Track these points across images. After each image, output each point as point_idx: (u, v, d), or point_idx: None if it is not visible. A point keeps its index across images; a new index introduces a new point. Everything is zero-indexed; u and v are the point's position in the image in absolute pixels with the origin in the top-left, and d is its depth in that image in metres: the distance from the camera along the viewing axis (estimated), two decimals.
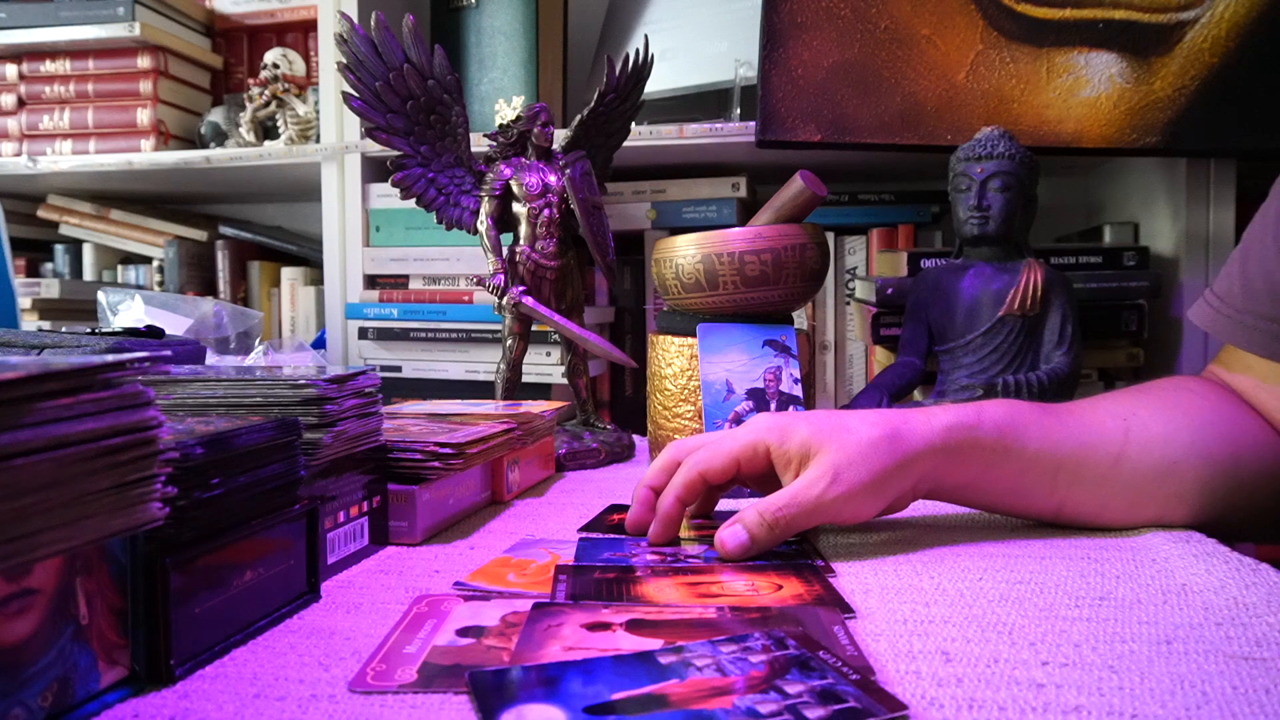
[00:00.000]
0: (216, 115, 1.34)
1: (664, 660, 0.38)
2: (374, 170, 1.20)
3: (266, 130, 1.29)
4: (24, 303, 1.34)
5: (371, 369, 0.58)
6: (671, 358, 0.82)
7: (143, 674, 0.37)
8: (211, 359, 0.91)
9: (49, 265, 1.52)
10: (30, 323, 1.34)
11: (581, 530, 0.63)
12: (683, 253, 0.79)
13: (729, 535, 0.54)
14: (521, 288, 0.87)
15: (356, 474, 0.56)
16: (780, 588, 0.49)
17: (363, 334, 1.15)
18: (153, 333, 0.78)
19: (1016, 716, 0.35)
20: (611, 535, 0.61)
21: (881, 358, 1.04)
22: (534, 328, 0.91)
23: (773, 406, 0.77)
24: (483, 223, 0.88)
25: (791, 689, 0.35)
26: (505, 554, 0.57)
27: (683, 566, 0.53)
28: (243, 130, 1.29)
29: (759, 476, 0.58)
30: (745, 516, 0.54)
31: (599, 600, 0.47)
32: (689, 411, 0.80)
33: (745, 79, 1.11)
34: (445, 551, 0.58)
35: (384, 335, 1.14)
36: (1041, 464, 0.58)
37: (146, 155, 1.28)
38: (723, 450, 0.57)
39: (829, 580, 0.50)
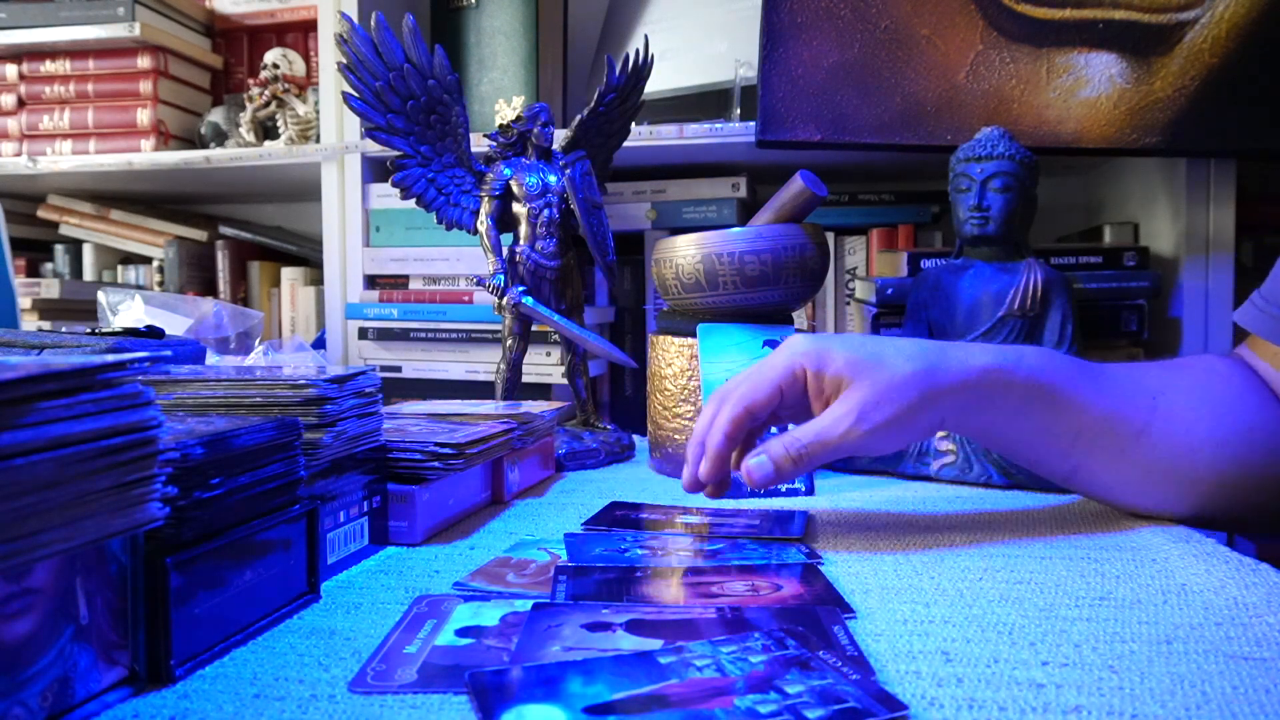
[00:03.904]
0: (216, 115, 1.33)
1: (664, 660, 0.38)
2: (374, 170, 1.20)
3: (266, 130, 1.29)
4: (24, 303, 1.34)
5: (371, 369, 0.58)
6: (671, 358, 0.82)
7: (143, 674, 0.37)
8: (211, 359, 0.91)
9: (49, 265, 1.52)
10: (30, 323, 1.34)
11: (586, 524, 0.63)
12: (683, 253, 0.79)
13: (755, 466, 0.55)
14: (521, 288, 0.87)
15: (356, 474, 0.56)
16: (780, 588, 0.49)
17: (363, 334, 1.15)
18: (153, 333, 0.78)
19: (1016, 716, 0.35)
20: (603, 530, 0.62)
21: None
22: (534, 328, 0.91)
23: None
24: (483, 223, 0.88)
25: (791, 689, 0.35)
26: (505, 554, 0.57)
27: (679, 566, 0.53)
28: (243, 130, 1.29)
29: (798, 402, 0.59)
30: (770, 448, 0.55)
31: (599, 600, 0.47)
32: (689, 411, 0.80)
33: (745, 79, 1.11)
34: (445, 551, 0.58)
35: (384, 335, 1.14)
36: (1064, 424, 0.59)
37: (146, 155, 1.28)
38: (765, 380, 0.58)
39: (829, 580, 0.50)
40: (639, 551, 0.56)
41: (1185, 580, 0.51)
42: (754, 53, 0.97)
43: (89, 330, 0.83)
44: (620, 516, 0.65)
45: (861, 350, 0.57)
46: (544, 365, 1.08)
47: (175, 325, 1.04)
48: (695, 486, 0.60)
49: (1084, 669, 0.39)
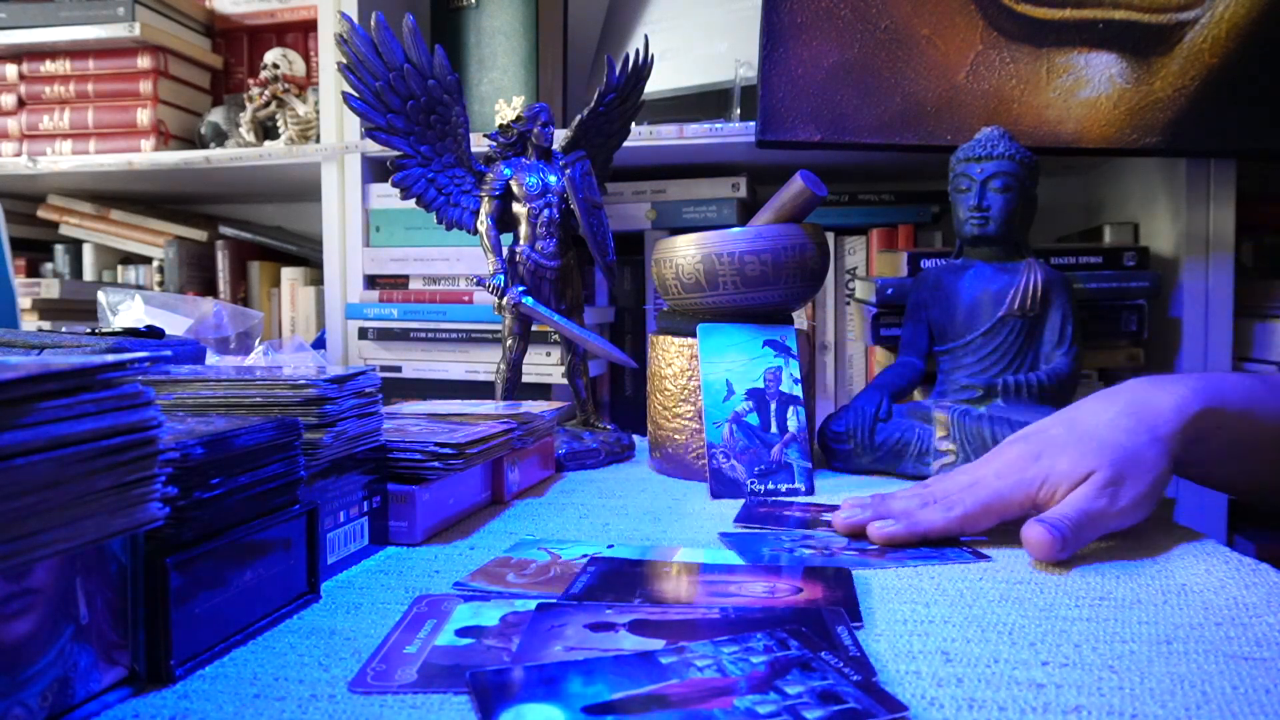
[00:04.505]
0: (216, 115, 1.33)
1: (665, 660, 0.38)
2: (374, 170, 1.20)
3: (266, 130, 1.29)
4: (24, 303, 1.34)
5: (371, 369, 0.58)
6: (671, 358, 0.82)
7: (143, 674, 0.37)
8: (211, 359, 0.91)
9: (49, 265, 1.52)
10: (30, 323, 1.34)
11: (737, 521, 0.64)
12: (683, 253, 0.79)
13: (1039, 534, 0.53)
14: (521, 288, 0.87)
15: (356, 474, 0.56)
16: (800, 591, 0.49)
17: (363, 334, 1.15)
18: (153, 333, 0.78)
19: (1016, 716, 0.35)
20: (756, 529, 0.63)
21: (881, 358, 1.04)
22: (534, 328, 0.91)
23: (773, 406, 0.77)
24: (483, 223, 0.88)
25: (792, 689, 0.35)
26: (505, 554, 0.57)
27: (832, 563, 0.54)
28: (243, 130, 1.29)
29: None
30: (1052, 520, 0.54)
31: (613, 593, 0.47)
32: (689, 411, 0.80)
33: (745, 79, 1.11)
34: (445, 551, 0.58)
35: (384, 335, 1.14)
36: (1262, 454, 0.60)
37: (146, 155, 1.28)
38: (993, 511, 0.57)
39: (853, 589, 0.49)
40: (805, 551, 0.57)
41: (1185, 580, 0.51)
42: (754, 53, 0.96)
43: (89, 330, 0.83)
44: (764, 514, 0.66)
45: (1080, 445, 0.57)
46: (544, 365, 1.08)
47: (175, 325, 1.04)
48: (856, 533, 0.60)
49: (1084, 669, 0.39)
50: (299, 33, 1.38)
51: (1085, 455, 0.56)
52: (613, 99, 0.92)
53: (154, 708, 0.36)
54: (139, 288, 1.45)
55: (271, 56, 1.32)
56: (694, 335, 0.80)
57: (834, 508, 0.66)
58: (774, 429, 0.76)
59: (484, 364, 1.11)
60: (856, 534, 0.60)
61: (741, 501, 0.71)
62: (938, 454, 0.78)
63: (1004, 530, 0.59)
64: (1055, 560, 0.53)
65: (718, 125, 1.05)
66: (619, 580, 0.50)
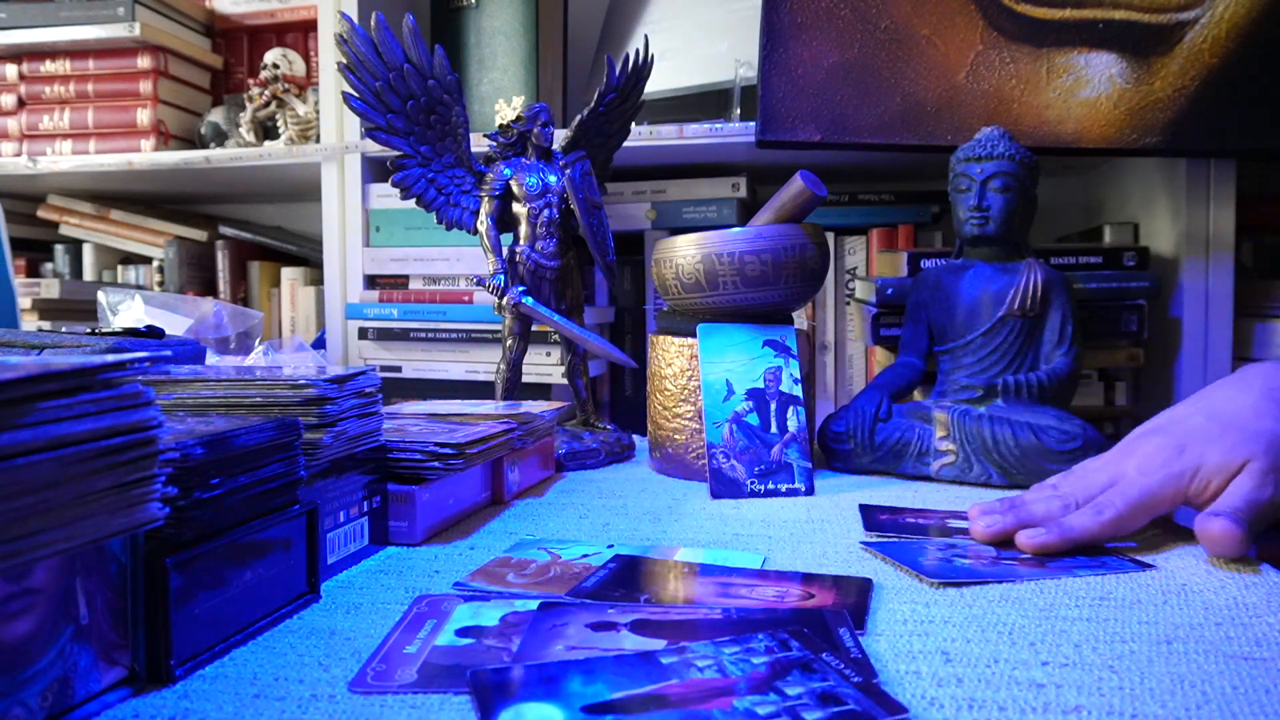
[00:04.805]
0: (216, 115, 1.33)
1: (665, 660, 0.38)
2: (374, 170, 1.20)
3: (266, 130, 1.28)
4: (24, 303, 1.34)
5: (371, 369, 0.58)
6: (671, 358, 0.82)
7: (143, 674, 0.37)
8: (211, 359, 0.91)
9: (49, 265, 1.52)
10: (30, 323, 1.34)
11: (870, 530, 0.61)
12: (683, 253, 0.79)
13: (1220, 529, 0.51)
14: (521, 288, 0.87)
15: (356, 474, 0.56)
16: (811, 597, 0.49)
17: (363, 334, 1.15)
18: (153, 333, 0.78)
19: (1016, 716, 0.35)
20: (895, 538, 0.60)
21: (881, 358, 1.04)
22: (534, 328, 0.91)
23: (773, 406, 0.77)
24: (483, 223, 0.88)
25: (792, 690, 0.35)
26: (505, 554, 0.57)
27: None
28: (243, 130, 1.29)
29: None
30: (1228, 513, 0.52)
31: (622, 590, 0.47)
32: (689, 411, 0.80)
33: (745, 79, 1.11)
34: (445, 551, 0.58)
35: (384, 335, 1.14)
36: None
37: (146, 155, 1.28)
38: (1143, 510, 0.55)
39: (868, 597, 0.48)
40: (963, 561, 0.54)
41: (1185, 580, 0.51)
42: (754, 53, 0.96)
43: (89, 330, 0.83)
44: (889, 522, 0.64)
45: (1229, 434, 0.55)
46: (544, 365, 1.08)
47: (175, 325, 1.04)
48: (1000, 541, 0.57)
49: (1084, 669, 0.39)
50: (299, 33, 1.38)
51: (1237, 444, 0.54)
52: (613, 99, 0.92)
53: (154, 708, 0.36)
54: (139, 288, 1.45)
55: (271, 56, 1.32)
56: (694, 335, 0.80)
57: (955, 513, 0.65)
58: (774, 429, 0.76)
59: (484, 364, 1.11)
60: (1000, 542, 0.57)
61: (741, 500, 0.71)
62: (938, 454, 0.78)
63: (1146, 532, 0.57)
64: (1239, 555, 0.51)
65: (718, 125, 1.05)
66: (629, 579, 0.50)
